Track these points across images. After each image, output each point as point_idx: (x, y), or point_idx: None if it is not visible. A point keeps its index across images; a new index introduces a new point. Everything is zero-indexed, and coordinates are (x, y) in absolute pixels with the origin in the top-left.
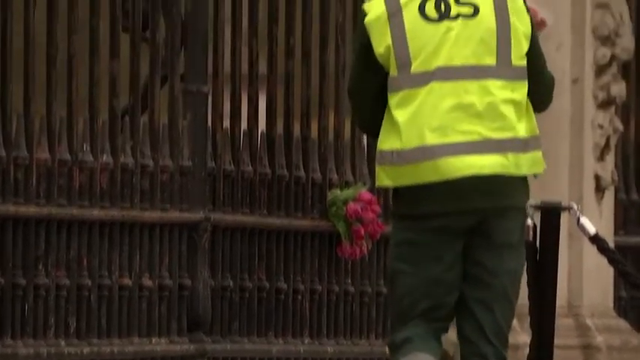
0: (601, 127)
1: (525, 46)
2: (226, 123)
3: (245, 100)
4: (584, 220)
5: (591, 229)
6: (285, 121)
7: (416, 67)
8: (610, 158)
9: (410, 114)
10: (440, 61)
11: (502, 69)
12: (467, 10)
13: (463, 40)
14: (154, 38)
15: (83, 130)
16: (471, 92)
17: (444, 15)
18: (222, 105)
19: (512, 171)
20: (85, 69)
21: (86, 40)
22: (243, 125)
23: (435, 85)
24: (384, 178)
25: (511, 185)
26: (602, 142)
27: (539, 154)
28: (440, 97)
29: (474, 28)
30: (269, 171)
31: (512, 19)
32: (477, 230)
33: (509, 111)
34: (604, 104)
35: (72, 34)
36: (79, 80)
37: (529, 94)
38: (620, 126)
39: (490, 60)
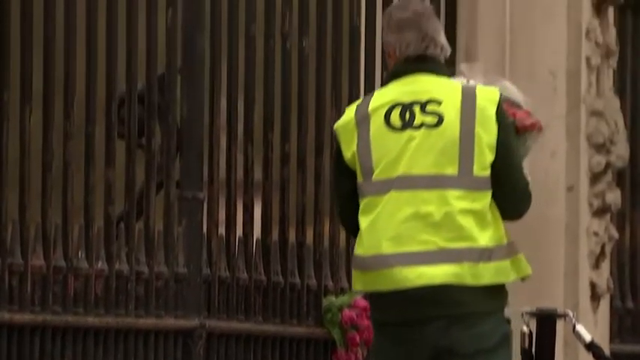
0: (596, 234)
1: (489, 157)
2: (222, 230)
3: (240, 207)
4: (580, 328)
5: (587, 337)
6: (281, 228)
7: (377, 174)
8: (605, 266)
9: (370, 221)
10: (400, 170)
11: (463, 179)
12: (431, 119)
13: (424, 150)
14: (150, 145)
15: (78, 236)
16: (429, 202)
17: (407, 124)
18: (218, 212)
19: (469, 281)
20: (81, 176)
21: (82, 147)
22: (239, 232)
23: (394, 194)
24: (356, 282)
25: (470, 293)
26: (598, 249)
27: (505, 262)
28: (398, 206)
29: (436, 138)
30: (264, 278)
31: (478, 129)
32: (441, 341)
33: (467, 221)
34: (599, 212)
35: (67, 140)
36: (75, 187)
37: (499, 201)
38: (615, 234)
39: (451, 170)
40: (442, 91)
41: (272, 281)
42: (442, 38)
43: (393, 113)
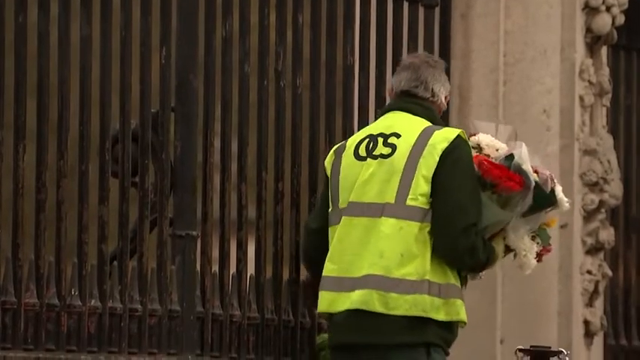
0: (590, 272)
1: (424, 187)
2: (215, 267)
3: (234, 245)
4: None
5: None
6: (274, 266)
7: (340, 203)
8: (599, 304)
9: (331, 247)
10: (352, 198)
11: (397, 208)
12: (386, 150)
13: (375, 179)
14: (143, 183)
15: (71, 274)
16: (367, 229)
17: (368, 154)
18: (211, 249)
19: (378, 308)
20: (74, 214)
21: (75, 185)
22: (232, 269)
23: (345, 220)
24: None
25: (382, 322)
26: (591, 287)
27: (425, 297)
28: (345, 233)
29: (385, 168)
30: (258, 315)
31: (421, 160)
32: None
33: (392, 249)
34: (593, 250)
35: (61, 179)
36: (68, 225)
37: (433, 237)
38: (608, 272)
39: (390, 198)
40: (406, 126)
41: (265, 318)
42: (438, 87)
43: (362, 145)
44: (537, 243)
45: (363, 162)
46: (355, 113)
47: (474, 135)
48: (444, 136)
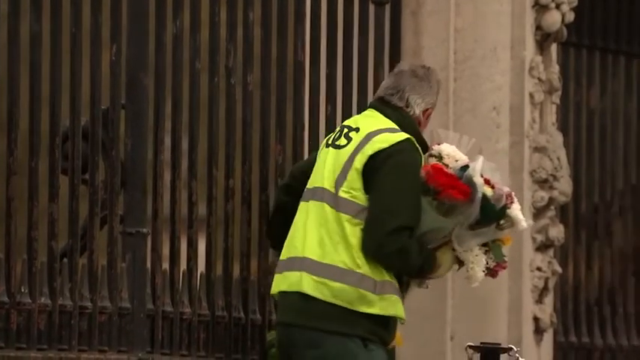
0: (540, 269)
1: (357, 182)
2: (165, 265)
3: (184, 242)
4: None
5: None
6: (225, 263)
7: (307, 185)
8: (549, 301)
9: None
10: (309, 183)
11: (334, 198)
12: (343, 142)
13: (327, 167)
14: (94, 180)
15: (21, 272)
16: (310, 213)
17: (332, 143)
18: (162, 247)
19: (306, 290)
20: (24, 211)
21: (25, 182)
22: (183, 267)
23: (302, 204)
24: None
25: (322, 308)
26: (541, 284)
27: (351, 289)
28: (297, 217)
29: (336, 158)
30: (208, 312)
31: (357, 156)
32: (287, 344)
33: (324, 235)
34: (542, 247)
35: (11, 175)
36: (18, 222)
37: (364, 239)
38: (558, 268)
39: (330, 187)
40: (369, 124)
41: (216, 316)
42: (414, 99)
43: (334, 134)
44: (491, 258)
45: (327, 150)
46: (306, 110)
47: (439, 144)
48: (387, 138)
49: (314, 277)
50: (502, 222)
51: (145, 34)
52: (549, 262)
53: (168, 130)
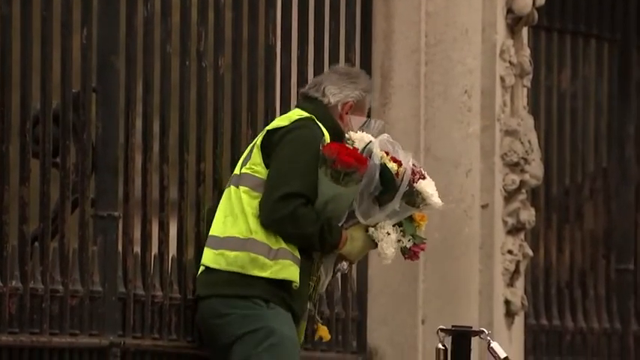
0: (511, 252)
1: (257, 156)
2: (137, 248)
3: (156, 226)
4: (495, 345)
5: (502, 354)
6: (196, 247)
7: None
8: (520, 284)
9: None
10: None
11: (238, 177)
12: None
13: (242, 157)
14: (65, 164)
15: None
16: (223, 198)
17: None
18: (133, 230)
19: (209, 263)
20: None
21: None
22: (154, 250)
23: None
24: None
25: (222, 277)
26: (512, 267)
27: (243, 254)
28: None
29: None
30: (179, 296)
31: (259, 134)
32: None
33: (228, 212)
34: (514, 230)
35: None
36: None
37: (259, 206)
38: (529, 252)
39: (238, 171)
40: (285, 115)
41: (187, 299)
42: (329, 89)
43: None
44: (408, 239)
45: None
46: (277, 93)
47: (353, 131)
48: (288, 117)
49: (214, 251)
50: (412, 197)
51: (116, 17)
52: (520, 245)
53: (140, 113)
